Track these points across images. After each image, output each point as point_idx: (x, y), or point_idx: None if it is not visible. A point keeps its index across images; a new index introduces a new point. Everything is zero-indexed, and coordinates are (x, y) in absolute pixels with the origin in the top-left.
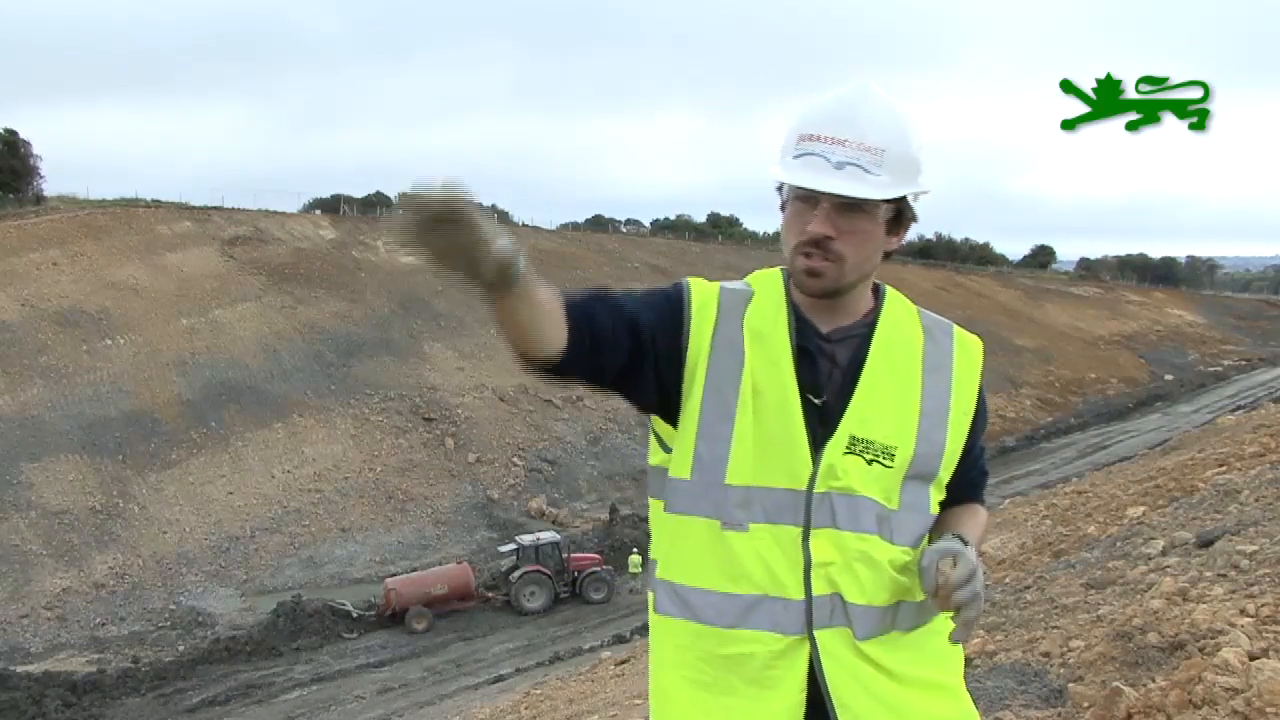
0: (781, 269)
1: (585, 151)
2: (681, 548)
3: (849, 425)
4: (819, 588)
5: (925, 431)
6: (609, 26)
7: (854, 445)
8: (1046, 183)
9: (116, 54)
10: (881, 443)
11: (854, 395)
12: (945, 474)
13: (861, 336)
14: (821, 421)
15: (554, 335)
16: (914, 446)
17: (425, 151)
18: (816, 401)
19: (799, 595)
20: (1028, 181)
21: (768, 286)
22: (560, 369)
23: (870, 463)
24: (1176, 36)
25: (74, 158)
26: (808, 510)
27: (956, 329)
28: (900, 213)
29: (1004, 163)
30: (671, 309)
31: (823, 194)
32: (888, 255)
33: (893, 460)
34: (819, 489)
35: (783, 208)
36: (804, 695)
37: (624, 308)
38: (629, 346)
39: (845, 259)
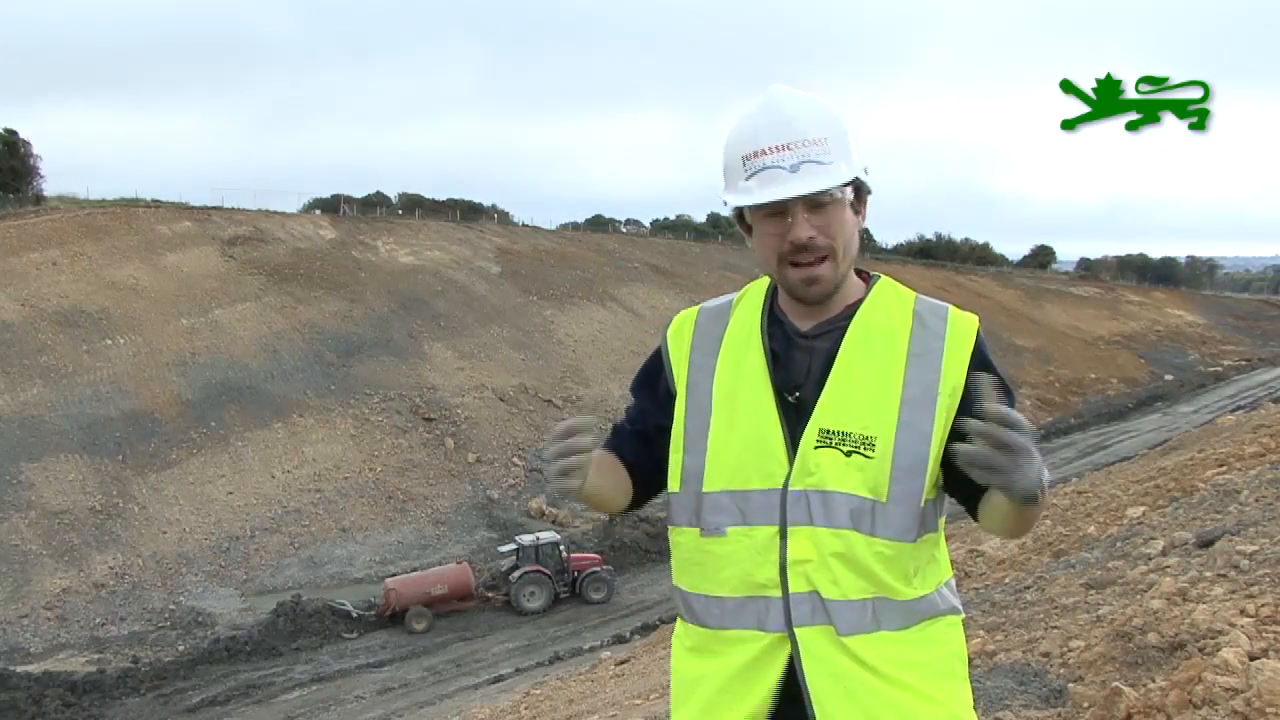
0: (770, 278)
1: (566, 151)
2: (679, 556)
3: (820, 418)
4: (796, 585)
5: (907, 419)
6: (578, 26)
7: (827, 438)
8: (1026, 184)
9: (79, 55)
10: (859, 433)
11: (825, 387)
12: (935, 463)
13: (841, 329)
14: (799, 418)
15: (623, 500)
16: (894, 435)
17: (400, 150)
18: (792, 399)
19: (777, 594)
20: (1005, 182)
21: (752, 294)
22: (634, 509)
23: (849, 454)
24: (1152, 33)
25: (53, 158)
26: (783, 509)
27: (951, 310)
28: (858, 189)
29: (979, 163)
30: (653, 369)
31: (793, 201)
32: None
33: (873, 450)
34: (794, 486)
35: (747, 230)
36: (776, 690)
37: (632, 424)
38: (655, 451)
39: (835, 251)
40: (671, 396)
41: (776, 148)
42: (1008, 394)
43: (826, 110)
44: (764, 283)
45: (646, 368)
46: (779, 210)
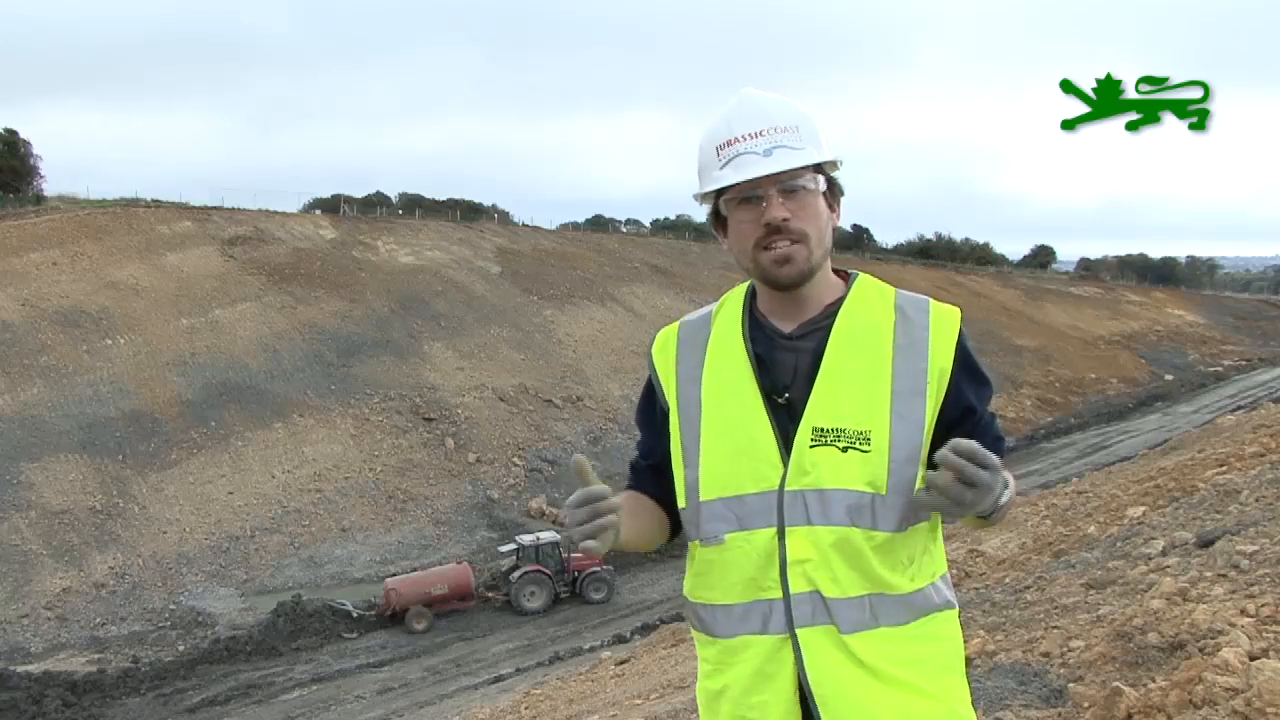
0: (748, 283)
1: (566, 151)
2: (690, 569)
3: (812, 417)
4: (796, 585)
5: (900, 410)
6: (577, 26)
7: (821, 436)
8: (1026, 184)
9: (79, 55)
10: (853, 429)
11: (814, 386)
12: (927, 450)
13: (825, 328)
14: (791, 419)
15: (663, 533)
16: (889, 426)
17: (400, 150)
18: (781, 401)
19: (778, 595)
20: (1004, 182)
21: (731, 301)
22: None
23: (845, 450)
24: (1152, 33)
25: (53, 158)
26: (780, 510)
27: (932, 303)
28: (831, 184)
29: (979, 163)
30: (647, 397)
31: (768, 179)
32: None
33: (869, 445)
34: (790, 487)
35: (722, 228)
36: (797, 691)
37: (645, 459)
38: (671, 480)
39: (808, 235)
40: (668, 418)
41: (749, 135)
42: (984, 385)
43: (796, 105)
44: (742, 289)
45: (642, 398)
46: (753, 197)
